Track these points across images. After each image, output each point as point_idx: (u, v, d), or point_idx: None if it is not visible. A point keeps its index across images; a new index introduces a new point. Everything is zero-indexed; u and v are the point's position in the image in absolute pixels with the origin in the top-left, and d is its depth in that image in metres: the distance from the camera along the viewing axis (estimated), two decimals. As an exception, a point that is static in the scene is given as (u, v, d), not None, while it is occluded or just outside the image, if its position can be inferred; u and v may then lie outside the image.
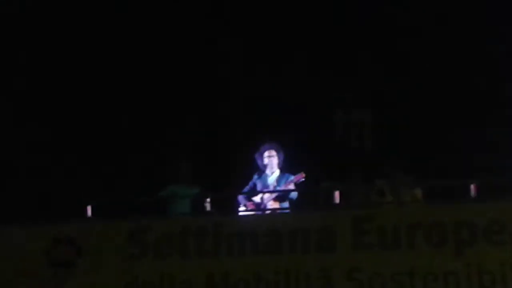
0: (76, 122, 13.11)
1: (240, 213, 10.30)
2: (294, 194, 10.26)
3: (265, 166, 10.50)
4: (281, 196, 10.27)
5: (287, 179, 10.34)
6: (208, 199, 10.12)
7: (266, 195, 10.31)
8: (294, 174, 10.33)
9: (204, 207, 10.08)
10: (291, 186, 10.26)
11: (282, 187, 10.36)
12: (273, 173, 10.49)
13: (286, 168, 10.50)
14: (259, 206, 10.30)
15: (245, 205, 10.39)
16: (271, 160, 10.49)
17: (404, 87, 12.72)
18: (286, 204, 10.27)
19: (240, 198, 10.47)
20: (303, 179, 10.20)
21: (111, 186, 11.85)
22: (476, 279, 8.54)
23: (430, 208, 9.22)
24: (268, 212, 10.21)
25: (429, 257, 8.67)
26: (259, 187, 10.48)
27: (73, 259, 9.38)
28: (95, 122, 13.10)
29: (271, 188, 10.41)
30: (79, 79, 13.24)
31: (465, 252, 8.61)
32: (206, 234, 9.23)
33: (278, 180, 10.43)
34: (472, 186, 8.90)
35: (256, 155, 10.57)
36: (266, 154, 10.52)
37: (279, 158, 10.50)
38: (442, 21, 12.90)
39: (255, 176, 10.53)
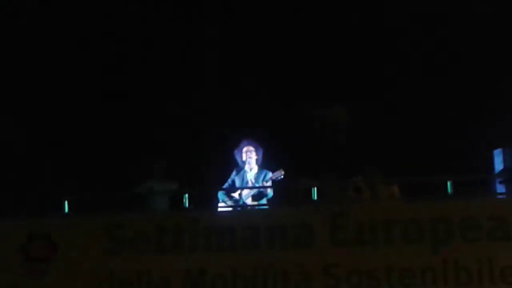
0: (52, 117, 13.05)
1: (218, 209, 10.28)
2: (269, 193, 10.26)
3: (243, 163, 10.48)
4: (258, 194, 10.26)
5: (266, 175, 10.33)
6: (186, 195, 10.07)
7: (245, 192, 10.29)
8: (272, 170, 10.31)
9: (182, 203, 10.04)
10: (269, 183, 10.24)
11: (260, 184, 10.34)
12: (251, 169, 10.47)
13: (264, 164, 10.49)
14: (237, 203, 10.29)
15: (224, 202, 10.37)
16: (249, 156, 10.46)
17: (380, 84, 12.78)
18: (263, 202, 10.25)
19: (220, 194, 10.44)
20: (282, 176, 10.19)
21: (87, 182, 11.80)
22: (452, 276, 8.59)
23: (407, 204, 9.27)
24: (246, 208, 10.19)
25: (406, 254, 8.71)
26: (237, 183, 10.45)
27: (49, 255, 9.31)
28: (71, 118, 13.05)
29: (249, 184, 10.38)
30: (53, 74, 13.18)
31: (442, 248, 8.66)
32: (183, 230, 9.19)
33: (257, 177, 10.41)
34: (449, 183, 8.96)
35: (235, 151, 10.55)
36: (244, 150, 10.50)
37: (257, 154, 10.49)
38: (419, 21, 12.98)
39: (234, 173, 10.50)
